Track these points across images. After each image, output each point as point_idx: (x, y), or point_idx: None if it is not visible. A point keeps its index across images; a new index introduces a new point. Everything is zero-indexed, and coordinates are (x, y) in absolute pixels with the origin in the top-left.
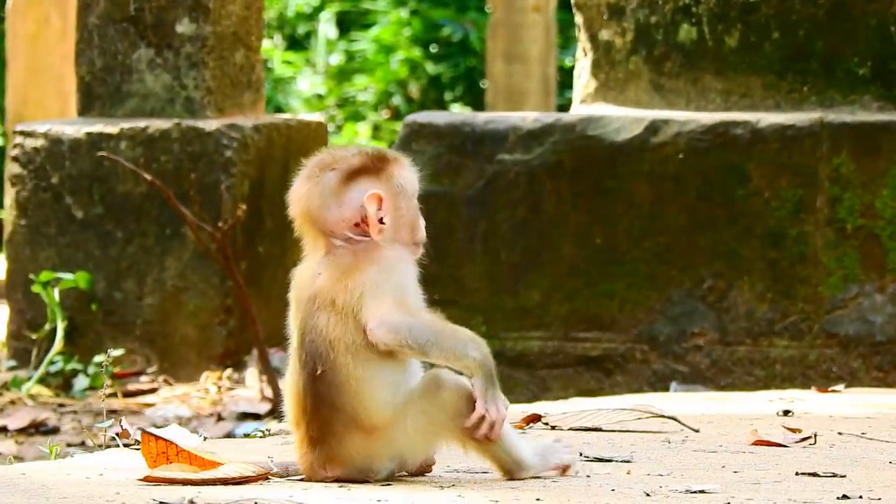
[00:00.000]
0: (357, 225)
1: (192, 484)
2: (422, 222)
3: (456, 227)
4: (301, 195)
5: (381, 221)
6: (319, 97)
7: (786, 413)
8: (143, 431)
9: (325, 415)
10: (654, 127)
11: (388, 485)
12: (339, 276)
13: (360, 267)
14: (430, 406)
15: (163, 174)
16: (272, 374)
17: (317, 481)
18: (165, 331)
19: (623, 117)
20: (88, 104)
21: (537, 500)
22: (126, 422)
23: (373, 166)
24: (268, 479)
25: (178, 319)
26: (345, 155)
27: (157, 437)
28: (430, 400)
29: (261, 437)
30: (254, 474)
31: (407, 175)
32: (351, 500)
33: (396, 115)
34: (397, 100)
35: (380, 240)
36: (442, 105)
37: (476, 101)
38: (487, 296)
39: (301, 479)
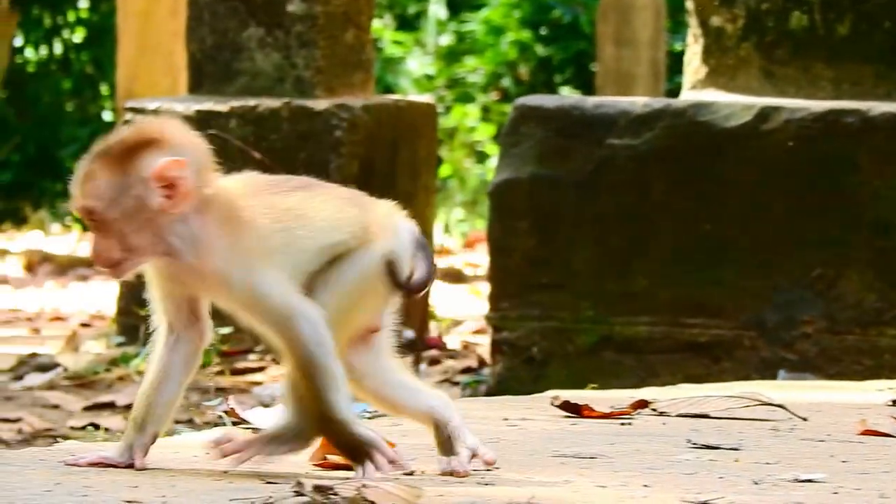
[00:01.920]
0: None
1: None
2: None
3: (563, 211)
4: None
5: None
6: (428, 78)
7: (894, 403)
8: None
9: None
10: (763, 114)
11: None
12: None
13: None
14: None
15: (271, 153)
16: None
17: None
18: None
19: (733, 104)
20: (198, 81)
21: (645, 485)
22: (234, 400)
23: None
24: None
25: None
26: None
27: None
28: None
29: (368, 418)
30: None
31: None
32: None
33: (505, 96)
34: (506, 81)
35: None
36: (551, 88)
37: (585, 84)
38: (594, 280)
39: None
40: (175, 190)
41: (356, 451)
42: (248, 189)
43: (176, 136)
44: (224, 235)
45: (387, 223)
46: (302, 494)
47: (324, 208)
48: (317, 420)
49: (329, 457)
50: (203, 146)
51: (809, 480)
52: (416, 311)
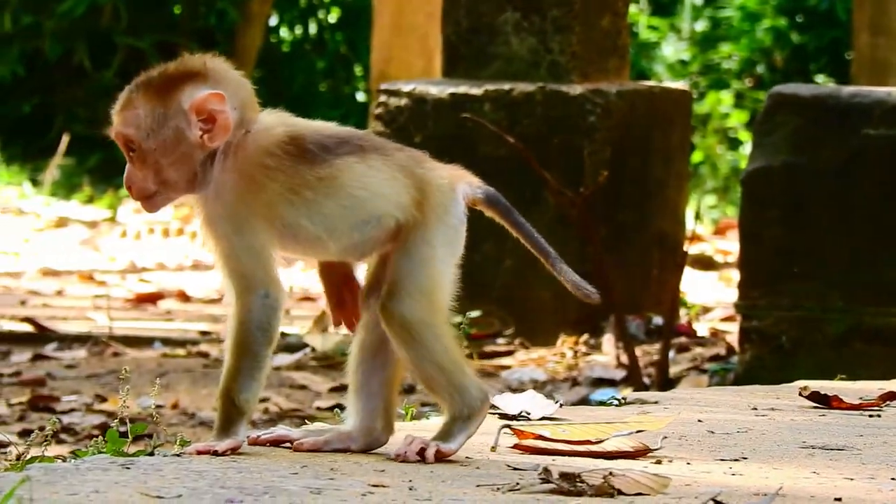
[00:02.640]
0: None
1: (558, 454)
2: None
3: (815, 200)
4: None
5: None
6: (683, 63)
7: None
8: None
9: None
10: None
11: None
12: None
13: None
14: None
15: (524, 137)
16: (629, 341)
17: None
18: (522, 294)
19: None
20: (453, 65)
21: (893, 479)
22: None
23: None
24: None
25: (536, 283)
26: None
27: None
28: None
29: (616, 405)
30: (632, 449)
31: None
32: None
33: (759, 83)
34: (761, 68)
35: None
36: (805, 75)
37: (840, 72)
38: (845, 270)
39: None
40: (213, 124)
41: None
42: (286, 149)
43: (219, 71)
44: (235, 188)
45: (443, 194)
46: (549, 481)
47: (369, 178)
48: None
49: (526, 442)
50: (247, 84)
51: None
52: (665, 297)
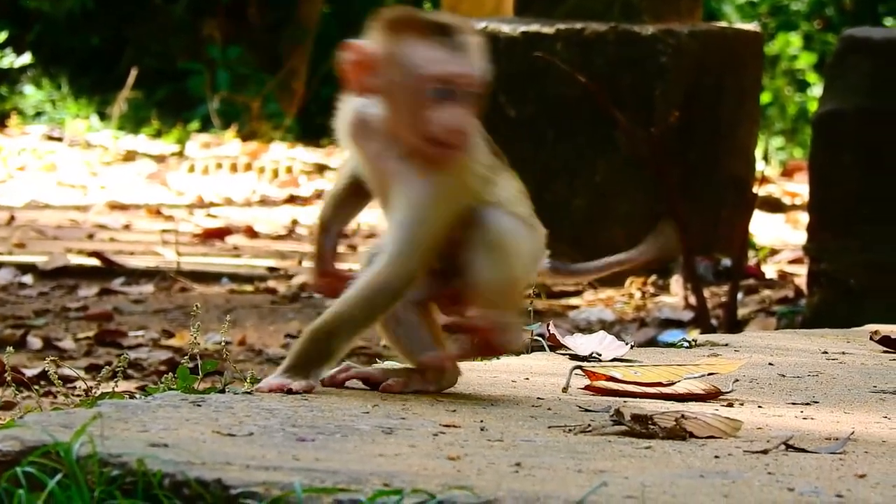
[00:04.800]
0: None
1: (630, 395)
2: (442, 116)
3: (886, 143)
4: None
5: (361, 80)
6: (752, 4)
7: None
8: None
9: None
10: None
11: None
12: None
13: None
14: None
15: (596, 77)
16: (697, 283)
17: None
18: (593, 233)
19: None
20: (526, 3)
21: None
22: (552, 325)
23: (397, 26)
24: (718, 398)
25: (607, 223)
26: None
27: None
28: None
29: (687, 347)
30: (703, 392)
31: (424, 52)
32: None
33: (828, 25)
34: (829, 10)
35: (370, 108)
36: (875, 18)
37: None
38: None
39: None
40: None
41: None
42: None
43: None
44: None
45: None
46: (621, 423)
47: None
48: None
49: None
50: None
51: None
52: (734, 239)
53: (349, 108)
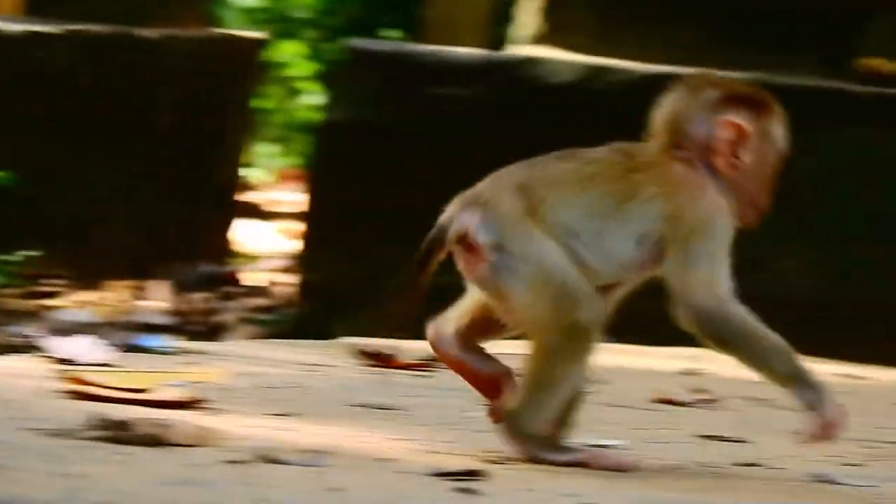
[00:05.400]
0: (708, 151)
1: (111, 401)
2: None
3: (388, 158)
4: (677, 101)
5: (735, 157)
6: (254, 11)
7: None
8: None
9: None
10: None
11: None
12: (668, 186)
13: (690, 192)
14: None
15: (101, 80)
16: (181, 288)
17: None
18: (80, 235)
19: None
20: (38, 3)
21: (445, 441)
22: (33, 326)
23: (755, 102)
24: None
25: (98, 225)
26: (730, 81)
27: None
28: None
29: (169, 353)
30: (184, 399)
31: (779, 129)
32: None
33: (332, 35)
34: (334, 20)
35: (723, 179)
36: (372, 30)
37: (410, 28)
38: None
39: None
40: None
41: None
42: None
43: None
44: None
45: None
46: (100, 428)
47: None
48: None
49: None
50: None
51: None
52: (217, 245)
53: None
